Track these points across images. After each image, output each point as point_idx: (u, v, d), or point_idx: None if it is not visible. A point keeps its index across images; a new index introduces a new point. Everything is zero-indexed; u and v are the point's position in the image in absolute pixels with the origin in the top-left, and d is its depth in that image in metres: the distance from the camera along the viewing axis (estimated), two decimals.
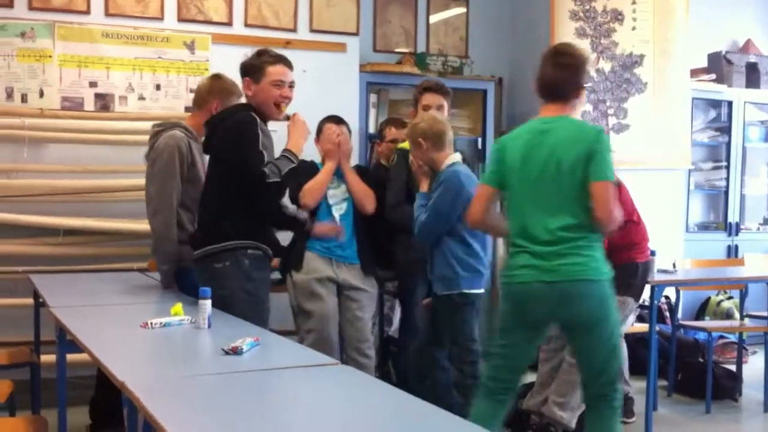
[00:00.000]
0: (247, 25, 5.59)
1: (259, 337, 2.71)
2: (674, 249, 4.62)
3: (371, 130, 6.01)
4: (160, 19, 5.37)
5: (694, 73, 6.93)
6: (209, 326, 2.93)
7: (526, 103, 6.77)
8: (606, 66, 6.46)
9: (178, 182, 3.87)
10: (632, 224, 4.38)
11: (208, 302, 2.95)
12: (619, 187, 3.99)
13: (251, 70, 3.61)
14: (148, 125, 5.16)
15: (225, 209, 3.51)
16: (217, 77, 4.09)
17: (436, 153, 3.97)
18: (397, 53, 6.52)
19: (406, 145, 4.57)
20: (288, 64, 3.65)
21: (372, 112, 6.14)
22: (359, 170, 4.59)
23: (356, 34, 5.91)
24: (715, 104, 7.23)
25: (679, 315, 5.91)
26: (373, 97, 6.16)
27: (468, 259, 3.91)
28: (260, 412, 2.03)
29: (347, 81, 5.79)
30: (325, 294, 4.31)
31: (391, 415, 2.05)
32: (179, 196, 3.89)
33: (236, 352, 2.54)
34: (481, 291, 3.95)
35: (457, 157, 4.00)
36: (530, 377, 4.84)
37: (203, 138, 3.74)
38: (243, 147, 3.43)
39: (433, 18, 6.78)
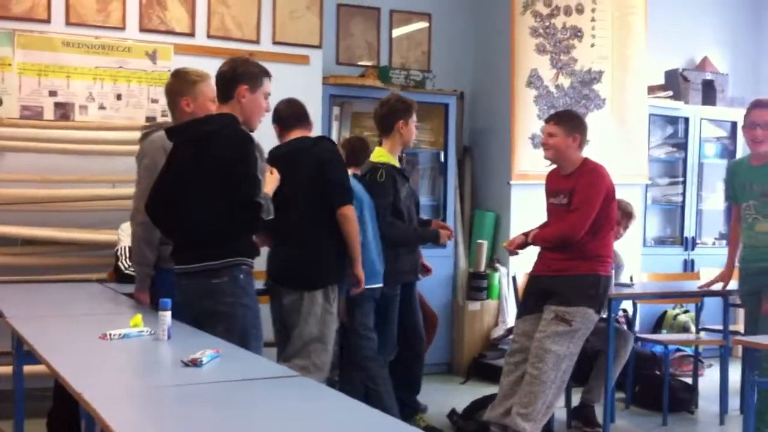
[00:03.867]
0: (209, 36, 5.58)
1: (220, 349, 2.71)
2: (631, 263, 4.68)
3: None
4: (122, 28, 5.35)
5: (652, 89, 7.05)
6: (169, 338, 2.92)
7: (488, 118, 6.84)
8: (565, 82, 6.55)
9: None
10: (605, 236, 4.43)
11: (168, 314, 2.94)
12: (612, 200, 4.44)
13: (249, 77, 3.42)
14: (108, 135, 5.19)
15: (222, 223, 3.35)
16: (177, 73, 3.90)
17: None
18: (360, 66, 6.54)
19: (382, 157, 4.61)
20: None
21: (335, 124, 6.16)
22: None
23: (319, 46, 5.93)
24: (672, 121, 7.34)
25: (637, 328, 5.98)
26: (336, 110, 6.17)
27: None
28: (219, 424, 2.03)
29: (310, 93, 5.78)
30: None
31: (350, 427, 2.06)
32: None
33: (196, 363, 2.53)
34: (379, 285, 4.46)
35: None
36: (491, 389, 4.88)
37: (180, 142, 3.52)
38: (243, 169, 3.30)
39: (396, 32, 6.82)
